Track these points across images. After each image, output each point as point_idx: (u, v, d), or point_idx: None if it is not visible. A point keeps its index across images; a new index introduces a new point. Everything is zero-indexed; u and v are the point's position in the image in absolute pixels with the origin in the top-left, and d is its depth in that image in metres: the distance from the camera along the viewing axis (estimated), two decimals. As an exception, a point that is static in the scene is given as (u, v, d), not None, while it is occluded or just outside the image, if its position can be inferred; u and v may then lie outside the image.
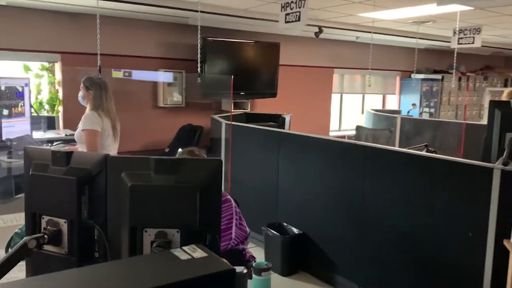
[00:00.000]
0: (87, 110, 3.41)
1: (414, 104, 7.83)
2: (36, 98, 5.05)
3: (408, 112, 7.89)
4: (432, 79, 8.51)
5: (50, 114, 4.94)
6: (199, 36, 4.39)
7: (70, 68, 5.12)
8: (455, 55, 5.86)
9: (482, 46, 7.96)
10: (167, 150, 5.41)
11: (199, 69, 4.62)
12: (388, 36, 6.61)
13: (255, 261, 2.29)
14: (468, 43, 5.85)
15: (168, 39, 5.79)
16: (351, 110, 8.79)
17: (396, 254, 3.01)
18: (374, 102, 8.90)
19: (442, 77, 8.62)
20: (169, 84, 5.80)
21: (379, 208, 3.10)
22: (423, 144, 3.02)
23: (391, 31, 6.30)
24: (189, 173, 1.36)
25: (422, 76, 8.44)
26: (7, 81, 3.62)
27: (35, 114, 4.34)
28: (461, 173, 2.60)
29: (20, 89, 3.75)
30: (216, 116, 5.22)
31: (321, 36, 6.94)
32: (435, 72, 8.73)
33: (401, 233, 2.96)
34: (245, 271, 1.50)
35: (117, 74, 5.40)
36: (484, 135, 3.83)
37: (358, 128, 5.91)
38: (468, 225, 2.54)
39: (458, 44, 5.98)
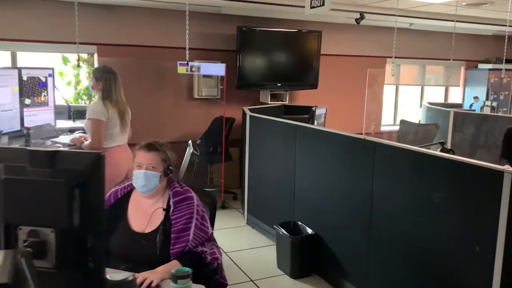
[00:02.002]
0: (96, 100, 3.44)
1: (476, 97, 7.07)
2: (75, 89, 5.24)
3: (471, 106, 7.15)
4: (502, 70, 7.62)
5: (86, 104, 5.10)
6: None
7: (107, 59, 5.24)
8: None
9: None
10: (198, 141, 5.37)
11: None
12: (441, 22, 6.00)
13: (218, 263, 2.13)
14: (536, 27, 5.11)
15: (203, 29, 5.72)
16: (411, 103, 8.19)
17: (402, 264, 2.67)
18: (436, 94, 8.20)
19: (515, 67, 7.69)
20: (205, 76, 5.74)
21: (386, 211, 2.78)
22: (438, 142, 2.64)
23: (442, 15, 5.70)
24: (66, 167, 1.23)
25: (489, 66, 7.60)
26: (30, 71, 3.75)
27: (65, 104, 4.49)
28: (468, 177, 2.22)
29: (44, 79, 3.88)
30: (245, 108, 5.07)
31: (370, 23, 6.50)
32: (508, 61, 7.81)
33: (406, 241, 2.62)
34: (130, 278, 1.34)
35: (182, 69, 5.43)
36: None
37: (402, 122, 5.43)
38: (475, 237, 2.16)
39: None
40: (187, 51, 3.64)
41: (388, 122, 7.61)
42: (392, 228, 2.72)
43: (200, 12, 5.62)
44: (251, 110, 5.17)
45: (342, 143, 3.23)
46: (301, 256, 3.51)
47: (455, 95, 8.14)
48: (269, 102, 5.99)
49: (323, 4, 3.82)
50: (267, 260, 3.82)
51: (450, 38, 7.50)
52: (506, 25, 6.04)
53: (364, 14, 5.20)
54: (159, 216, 2.05)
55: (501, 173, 1.99)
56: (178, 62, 5.43)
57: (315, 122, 5.03)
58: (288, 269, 3.55)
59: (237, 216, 4.98)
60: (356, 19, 5.27)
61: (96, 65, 5.32)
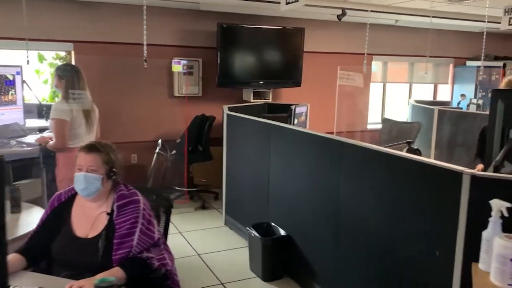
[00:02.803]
0: (59, 99, 3.34)
1: (463, 95, 6.98)
2: (52, 87, 5.14)
3: (458, 103, 7.07)
4: (491, 67, 7.54)
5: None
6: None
7: (83, 57, 5.14)
8: None
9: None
10: (178, 140, 5.27)
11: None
12: (427, 18, 5.90)
13: (167, 269, 2.04)
14: (521, 23, 5.02)
15: (182, 26, 5.62)
16: (400, 101, 8.10)
17: (367, 267, 2.58)
18: (425, 92, 8.11)
19: (504, 64, 7.61)
20: (185, 73, 5.64)
21: (352, 212, 2.69)
22: (405, 141, 2.54)
23: (427, 12, 5.59)
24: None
25: (478, 63, 7.50)
26: (-5, 69, 3.66)
27: (38, 102, 4.38)
28: (429, 178, 2.12)
29: (11, 77, 3.78)
30: (225, 106, 4.97)
31: (356, 20, 6.40)
32: (496, 58, 7.73)
33: (371, 243, 2.54)
34: None
35: (177, 67, 5.33)
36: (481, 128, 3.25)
37: (385, 120, 5.34)
38: (436, 241, 2.07)
39: (510, 24, 5.17)
40: (144, 48, 3.54)
41: (376, 120, 7.52)
42: (358, 230, 2.63)
43: (179, 9, 5.52)
44: (232, 108, 5.07)
45: (311, 143, 3.14)
46: (273, 258, 3.42)
47: (444, 93, 8.06)
48: (252, 100, 5.89)
49: (297, 0, 3.73)
50: (241, 262, 3.73)
51: (438, 35, 7.44)
52: (485, 21, 5.95)
53: (346, 10, 5.10)
54: (103, 221, 1.95)
55: (460, 174, 1.90)
56: (173, 60, 5.35)
57: (295, 121, 4.93)
58: (259, 272, 3.46)
59: (216, 217, 4.89)
60: (337, 16, 5.18)
61: (73, 63, 5.22)
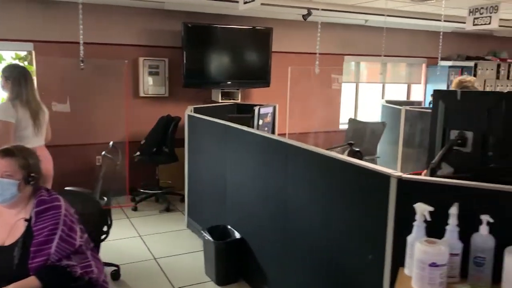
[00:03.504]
0: (5, 100, 3.24)
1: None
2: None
3: (430, 103, 7.07)
4: (462, 67, 7.58)
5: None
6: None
7: (44, 58, 5.03)
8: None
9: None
10: (143, 142, 5.19)
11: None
12: (396, 18, 5.90)
13: (90, 278, 1.97)
14: (485, 24, 5.04)
15: (148, 25, 5.53)
16: (374, 102, 8.10)
17: (310, 271, 2.54)
18: (399, 92, 8.13)
19: (475, 64, 7.65)
20: (151, 73, 5.56)
21: (297, 215, 2.65)
22: (347, 143, 2.51)
23: (391, 11, 5.60)
24: None
25: (449, 63, 7.54)
26: None
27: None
28: (362, 180, 2.09)
29: (-41, 78, 3.65)
30: (190, 107, 4.90)
31: (326, 20, 6.38)
32: (468, 58, 7.77)
33: (313, 246, 2.50)
34: None
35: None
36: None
37: (351, 121, 5.32)
38: (368, 245, 2.03)
39: (474, 25, 5.19)
40: (81, 47, 3.45)
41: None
42: (301, 233, 2.59)
43: (143, 8, 5.43)
44: (198, 109, 5.01)
45: (261, 144, 3.09)
46: (227, 261, 3.37)
47: (418, 93, 8.08)
48: (220, 101, 5.83)
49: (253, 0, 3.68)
50: (198, 266, 3.66)
51: (410, 35, 7.46)
52: (456, 22, 5.98)
53: (311, 10, 5.06)
54: (21, 228, 1.88)
55: (387, 177, 1.86)
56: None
57: (260, 122, 4.89)
58: (213, 276, 3.41)
59: (179, 220, 4.81)
60: (303, 16, 5.14)
61: (34, 63, 5.11)
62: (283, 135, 6.12)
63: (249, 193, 3.30)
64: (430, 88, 7.77)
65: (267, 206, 3.00)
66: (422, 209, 1.71)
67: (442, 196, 1.76)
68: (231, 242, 3.38)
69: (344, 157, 2.14)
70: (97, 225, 2.41)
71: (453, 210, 1.67)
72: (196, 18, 5.62)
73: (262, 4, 3.74)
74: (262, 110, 4.90)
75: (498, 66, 7.96)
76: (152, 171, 5.39)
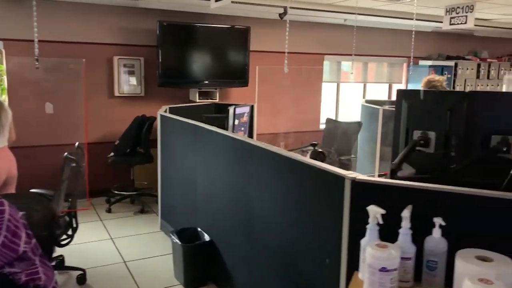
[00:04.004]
0: (-37, 100, 3.14)
1: (412, 94, 6.99)
2: (-18, 88, 4.88)
3: (410, 103, 7.07)
4: (443, 66, 7.59)
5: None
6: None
7: (12, 57, 4.91)
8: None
9: (506, 28, 7.01)
10: (116, 142, 5.10)
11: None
12: (375, 17, 5.88)
13: (37, 285, 1.88)
14: (461, 23, 5.03)
15: (123, 24, 5.43)
16: (356, 101, 8.08)
17: (274, 273, 2.49)
18: (381, 92, 8.12)
19: (455, 64, 7.67)
20: (126, 72, 5.47)
21: (260, 217, 2.59)
22: (310, 144, 2.45)
23: (371, 10, 5.58)
24: None
25: (430, 62, 7.55)
26: None
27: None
28: (319, 182, 2.04)
29: None
30: (165, 107, 4.83)
31: (305, 19, 6.34)
32: (449, 58, 7.79)
33: (275, 248, 2.44)
34: None
35: None
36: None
37: (328, 121, 5.28)
38: (326, 248, 1.98)
39: (450, 24, 5.18)
40: (35, 45, 3.36)
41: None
42: (265, 235, 2.53)
43: (117, 6, 5.33)
44: (173, 109, 4.94)
45: (228, 145, 3.03)
46: (195, 265, 3.30)
47: (399, 92, 8.08)
48: (198, 101, 5.75)
49: (224, -3, 3.61)
50: (168, 269, 3.58)
51: (391, 34, 7.45)
52: (433, 21, 5.98)
53: (288, 9, 5.01)
54: (-40, 234, 1.79)
55: (342, 179, 1.81)
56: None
57: (236, 122, 4.82)
58: (182, 279, 3.34)
59: (153, 222, 4.73)
60: (279, 14, 5.09)
61: (4, 63, 4.98)
62: (262, 135, 6.07)
63: (217, 194, 3.24)
64: (411, 88, 7.77)
65: (234, 208, 2.94)
66: (375, 212, 1.66)
67: (396, 198, 1.72)
68: (200, 245, 3.31)
69: (301, 157, 2.08)
70: (50, 228, 2.31)
71: (405, 213, 1.63)
72: (173, 17, 5.54)
73: (233, 2, 3.67)
74: (238, 110, 4.83)
75: (478, 65, 8.00)
76: (127, 172, 5.30)
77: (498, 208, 1.56)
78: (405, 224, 1.64)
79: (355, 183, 1.77)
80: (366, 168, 5.39)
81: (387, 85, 8.08)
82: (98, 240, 4.21)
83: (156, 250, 3.99)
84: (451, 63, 7.66)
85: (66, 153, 2.91)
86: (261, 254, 2.60)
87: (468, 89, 7.93)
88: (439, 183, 2.18)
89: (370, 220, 1.68)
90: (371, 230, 1.68)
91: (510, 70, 8.49)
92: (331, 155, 4.25)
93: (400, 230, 1.65)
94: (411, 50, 4.77)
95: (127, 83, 5.50)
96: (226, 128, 4.59)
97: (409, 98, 2.35)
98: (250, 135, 5.62)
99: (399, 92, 2.39)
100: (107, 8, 5.32)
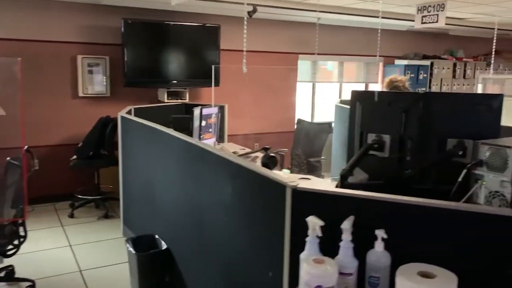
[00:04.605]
0: None
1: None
2: None
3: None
4: (419, 66, 7.54)
5: None
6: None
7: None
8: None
9: (481, 28, 6.98)
10: (80, 144, 4.91)
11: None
12: (347, 16, 5.79)
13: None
14: (432, 22, 4.96)
15: (86, 21, 5.23)
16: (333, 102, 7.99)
17: (221, 283, 2.35)
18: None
19: (431, 63, 7.63)
20: (91, 71, 5.27)
21: (210, 224, 2.45)
22: (262, 148, 2.32)
23: (342, 9, 5.48)
24: None
25: (405, 62, 7.50)
26: None
27: None
28: (262, 190, 1.90)
29: None
30: (130, 107, 4.65)
31: (277, 18, 6.22)
32: (425, 57, 7.75)
33: (223, 258, 2.30)
34: None
35: None
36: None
37: (299, 122, 5.16)
38: (269, 260, 1.85)
39: (422, 23, 5.11)
40: None
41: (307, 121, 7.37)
42: (216, 244, 2.39)
43: (80, 3, 5.13)
44: (139, 109, 4.77)
45: (182, 149, 2.88)
46: (151, 274, 3.13)
47: (376, 92, 8.01)
48: (166, 101, 5.59)
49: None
50: (124, 278, 3.42)
51: (367, 33, 7.36)
52: (405, 19, 5.90)
53: (257, 7, 4.88)
54: None
55: (283, 187, 1.68)
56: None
57: (203, 123, 4.67)
58: (137, 289, 3.17)
59: (117, 227, 4.54)
60: (248, 12, 4.94)
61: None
62: (235, 136, 5.93)
63: (173, 200, 3.09)
64: (387, 87, 7.71)
65: (188, 214, 2.79)
66: (314, 224, 1.53)
67: (339, 208, 1.59)
68: (155, 254, 3.15)
69: (246, 163, 1.94)
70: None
71: (345, 225, 1.50)
72: (141, 14, 5.36)
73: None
74: (206, 111, 4.68)
75: (455, 65, 7.98)
76: (92, 175, 5.11)
77: (444, 219, 1.44)
78: (346, 236, 1.51)
79: (296, 191, 1.64)
80: (337, 169, 5.28)
81: (364, 85, 8.01)
82: (55, 247, 4.02)
83: (115, 258, 3.82)
84: (427, 62, 7.62)
85: (8, 158, 2.73)
86: (211, 264, 2.46)
87: (444, 88, 7.91)
88: (393, 189, 2.06)
89: (309, 232, 1.55)
90: (311, 243, 1.55)
91: (485, 69, 8.51)
92: (298, 157, 4.14)
93: (341, 243, 1.52)
94: (377, 48, 4.69)
95: (92, 83, 5.31)
96: (191, 130, 4.45)
97: (363, 99, 2.23)
98: (221, 137, 5.48)
99: (353, 93, 2.27)
100: (68, 5, 5.12)
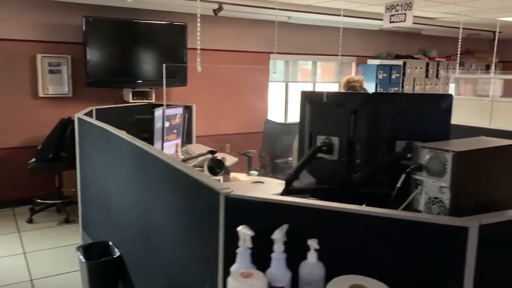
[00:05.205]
0: None
1: (359, 94, 6.89)
2: None
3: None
4: (391, 65, 7.53)
5: None
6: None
7: None
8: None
9: (452, 28, 6.99)
10: (39, 147, 4.72)
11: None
12: (316, 15, 5.72)
13: None
14: (400, 21, 4.91)
15: (46, 19, 5.04)
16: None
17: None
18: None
19: (404, 62, 7.63)
20: (52, 71, 5.08)
21: (156, 231, 2.32)
22: (208, 151, 2.21)
23: (309, 7, 5.40)
24: None
25: (378, 62, 7.47)
26: None
27: None
28: (199, 197, 1.79)
29: None
30: (91, 108, 4.49)
31: (247, 16, 6.12)
32: (398, 57, 7.74)
33: (168, 267, 2.18)
34: None
35: None
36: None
37: (267, 122, 5.07)
38: (206, 271, 1.74)
39: (391, 22, 5.06)
40: None
41: (281, 121, 7.29)
42: (160, 253, 2.27)
43: (40, 0, 4.94)
44: (101, 110, 4.62)
45: (131, 152, 2.75)
46: (102, 283, 3.00)
47: (349, 92, 7.98)
48: (131, 101, 5.43)
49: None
50: (77, 287, 3.27)
51: (339, 33, 7.31)
52: (373, 18, 5.86)
53: (223, 5, 4.77)
54: None
55: (217, 194, 1.57)
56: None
57: (167, 124, 4.53)
58: (89, 299, 3.03)
59: (77, 233, 4.37)
60: (213, 10, 4.83)
61: None
62: (204, 137, 5.80)
63: (125, 205, 2.96)
64: (361, 87, 7.67)
65: (138, 221, 2.66)
66: (244, 234, 1.43)
67: (274, 217, 1.49)
68: (106, 262, 3.01)
69: (185, 167, 1.83)
70: None
71: (277, 235, 1.40)
72: (104, 12, 5.19)
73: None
74: (169, 111, 4.54)
75: (427, 64, 7.99)
76: (53, 178, 4.93)
77: (379, 227, 1.36)
78: (278, 247, 1.41)
79: (229, 199, 1.53)
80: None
81: (337, 84, 7.96)
82: (8, 255, 3.84)
83: (70, 266, 3.66)
84: (399, 62, 7.61)
85: None
86: (158, 274, 2.34)
87: (417, 88, 7.92)
88: (341, 194, 1.98)
89: (240, 243, 1.45)
90: (242, 254, 1.45)
91: (458, 69, 8.55)
92: (263, 158, 4.04)
93: (273, 255, 1.42)
94: (339, 47, 4.62)
95: (53, 83, 5.12)
96: (152, 131, 4.31)
97: (312, 100, 2.13)
98: (188, 138, 5.35)
99: (303, 94, 2.17)
100: (25, 1, 4.92)
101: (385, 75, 7.42)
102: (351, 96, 2.26)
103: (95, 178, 3.68)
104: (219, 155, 4.58)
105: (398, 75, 7.58)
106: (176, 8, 5.45)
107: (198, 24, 3.67)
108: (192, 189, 1.81)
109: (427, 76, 8.00)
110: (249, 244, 1.42)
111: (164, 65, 4.12)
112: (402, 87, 7.66)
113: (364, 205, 1.90)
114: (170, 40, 5.53)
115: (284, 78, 7.25)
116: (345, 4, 5.33)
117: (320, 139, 2.09)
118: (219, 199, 1.57)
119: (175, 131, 4.71)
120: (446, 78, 8.06)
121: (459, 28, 6.98)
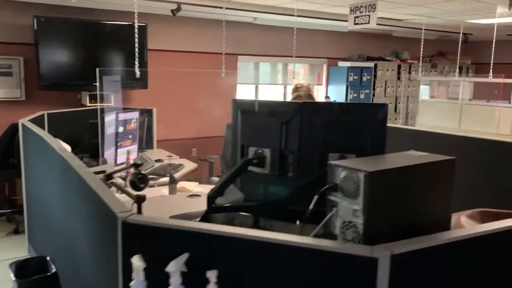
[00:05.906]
0: None
1: (327, 97, 6.80)
2: None
3: (327, 105, 6.85)
4: (362, 67, 7.44)
5: None
6: None
7: None
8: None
9: (421, 29, 6.92)
10: (-14, 154, 4.48)
11: None
12: (282, 16, 5.58)
13: None
14: (364, 23, 4.80)
15: (-5, 18, 4.81)
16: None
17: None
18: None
19: (375, 64, 7.55)
20: (2, 73, 4.83)
21: (79, 249, 2.14)
22: (132, 164, 2.04)
23: (271, 8, 5.27)
24: None
25: (348, 64, 7.38)
26: None
27: None
28: (102, 217, 1.62)
29: None
30: (42, 112, 4.28)
31: (211, 17, 5.95)
32: (369, 59, 7.66)
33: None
34: None
35: None
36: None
37: (228, 127, 4.90)
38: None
39: (355, 24, 4.95)
40: None
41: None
42: (80, 273, 2.09)
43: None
44: (54, 114, 4.40)
45: (58, 162, 2.55)
46: (35, 303, 2.80)
47: (321, 94, 7.87)
48: (88, 105, 5.20)
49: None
50: (14, 305, 3.05)
51: (310, 35, 7.19)
52: (339, 20, 5.75)
53: (181, 5, 4.59)
54: None
55: (115, 218, 1.40)
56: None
57: (121, 129, 4.33)
58: (21, 320, 2.82)
59: (25, 245, 4.15)
60: (172, 10, 4.65)
61: None
62: (165, 141, 5.61)
63: (59, 217, 2.76)
64: (332, 90, 7.58)
65: (65, 235, 2.48)
66: (137, 267, 1.26)
67: (175, 245, 1.32)
68: (38, 280, 2.80)
69: (97, 183, 1.65)
70: None
71: (172, 267, 1.24)
72: (52, 11, 4.94)
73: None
74: (123, 116, 4.35)
75: (399, 66, 7.93)
76: (2, 186, 4.69)
77: (284, 256, 1.20)
78: (174, 280, 1.25)
79: (126, 224, 1.36)
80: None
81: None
82: None
83: (9, 283, 3.43)
84: (371, 64, 7.53)
85: None
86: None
87: (388, 90, 7.85)
88: (269, 211, 1.83)
89: (134, 275, 1.28)
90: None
91: (430, 71, 8.53)
92: (221, 166, 3.87)
93: (169, 288, 1.26)
94: (293, 48, 4.47)
95: (4, 86, 4.87)
96: (103, 137, 4.11)
97: (244, 109, 1.98)
98: (148, 143, 5.16)
99: (234, 102, 2.02)
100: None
101: (356, 77, 7.33)
102: (283, 105, 2.12)
103: (37, 187, 3.47)
104: (177, 161, 4.39)
105: (369, 77, 7.49)
106: (127, 7, 5.25)
107: (136, 25, 3.49)
108: (99, 208, 1.64)
109: (399, 78, 7.95)
110: (141, 277, 1.26)
111: (97, 69, 3.92)
112: (374, 89, 7.58)
113: (297, 222, 1.76)
114: (130, 41, 5.31)
115: (254, 80, 7.11)
116: (310, 6, 5.21)
117: (252, 151, 1.94)
118: (117, 225, 1.40)
119: (130, 136, 4.52)
120: (409, 80, 8.01)
121: (428, 30, 6.95)
